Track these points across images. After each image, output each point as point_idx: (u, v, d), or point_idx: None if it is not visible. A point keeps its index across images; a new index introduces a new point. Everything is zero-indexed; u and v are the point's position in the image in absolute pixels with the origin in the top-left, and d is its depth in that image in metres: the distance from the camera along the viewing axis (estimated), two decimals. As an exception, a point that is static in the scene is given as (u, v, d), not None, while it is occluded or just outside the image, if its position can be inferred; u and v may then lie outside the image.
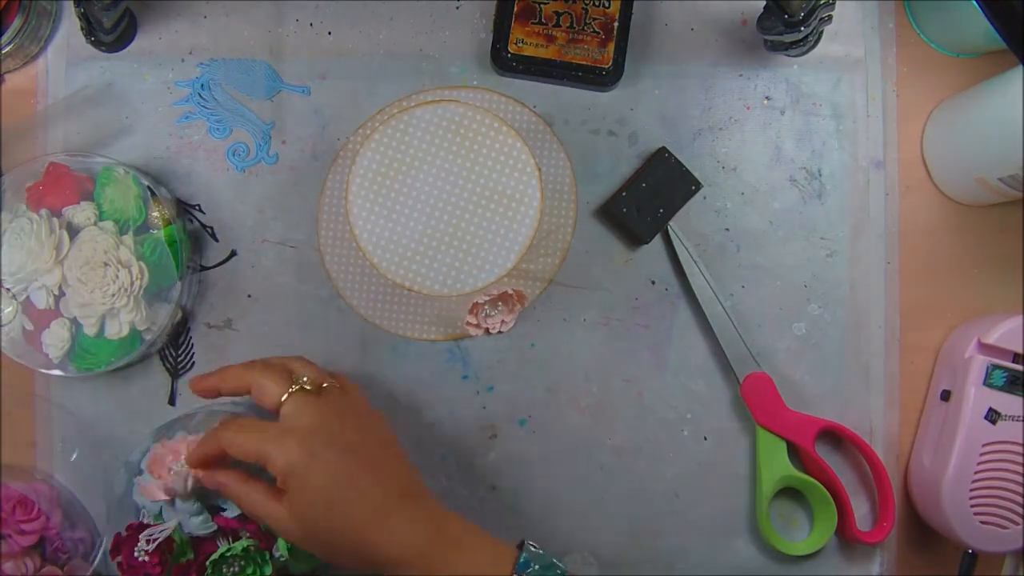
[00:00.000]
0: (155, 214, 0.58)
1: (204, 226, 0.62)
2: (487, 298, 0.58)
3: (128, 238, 0.57)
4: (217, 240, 0.62)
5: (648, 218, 0.60)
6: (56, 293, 0.57)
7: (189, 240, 0.60)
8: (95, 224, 0.57)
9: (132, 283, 0.56)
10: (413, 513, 0.48)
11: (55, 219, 0.57)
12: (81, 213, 0.57)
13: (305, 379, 0.50)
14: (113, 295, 0.56)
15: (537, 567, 0.46)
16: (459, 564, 0.46)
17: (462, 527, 0.48)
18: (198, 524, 0.53)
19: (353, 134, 0.61)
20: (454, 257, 0.56)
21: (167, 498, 0.53)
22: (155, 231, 0.58)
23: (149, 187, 0.58)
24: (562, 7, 0.60)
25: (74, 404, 0.61)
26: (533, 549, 0.47)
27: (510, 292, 0.57)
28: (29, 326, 0.57)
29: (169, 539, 0.54)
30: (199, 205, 0.62)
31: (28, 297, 0.57)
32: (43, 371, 0.58)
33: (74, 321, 0.57)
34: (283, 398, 0.48)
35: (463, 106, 0.55)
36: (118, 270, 0.56)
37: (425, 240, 0.56)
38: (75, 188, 0.57)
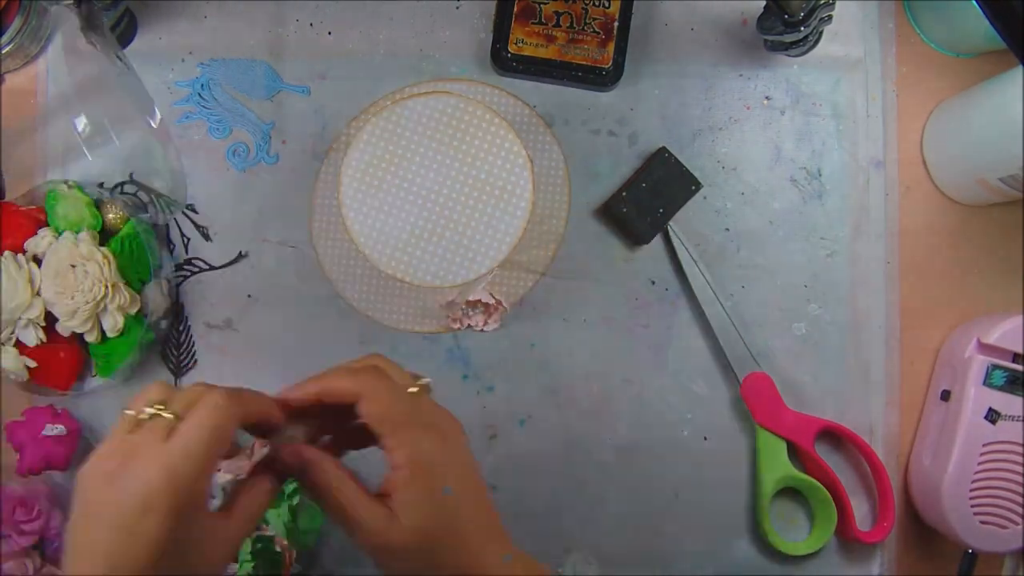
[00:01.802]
0: (111, 216, 0.59)
1: (198, 226, 0.62)
2: (462, 302, 0.57)
3: (84, 235, 0.57)
4: (210, 240, 0.62)
5: (648, 218, 0.60)
6: (43, 324, 0.57)
7: (153, 230, 0.60)
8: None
9: (103, 271, 0.56)
10: (511, 549, 0.43)
11: (20, 256, 0.57)
12: (42, 241, 0.58)
13: (426, 381, 0.44)
14: (91, 289, 0.56)
15: None
16: None
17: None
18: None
19: (347, 126, 0.61)
20: (446, 248, 0.56)
21: None
22: (118, 231, 0.59)
23: (99, 190, 0.59)
24: (562, 7, 0.60)
25: (77, 406, 0.61)
26: None
27: (490, 302, 0.57)
28: (32, 364, 0.58)
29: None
30: (192, 205, 0.62)
31: (18, 339, 0.58)
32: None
33: (79, 338, 0.58)
34: (414, 390, 0.43)
35: (455, 97, 0.55)
36: (85, 264, 0.56)
37: (417, 232, 0.56)
38: (29, 222, 0.58)
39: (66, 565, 0.38)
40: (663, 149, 0.60)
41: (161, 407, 0.38)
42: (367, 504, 0.40)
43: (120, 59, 0.55)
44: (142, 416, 0.38)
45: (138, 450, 0.37)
